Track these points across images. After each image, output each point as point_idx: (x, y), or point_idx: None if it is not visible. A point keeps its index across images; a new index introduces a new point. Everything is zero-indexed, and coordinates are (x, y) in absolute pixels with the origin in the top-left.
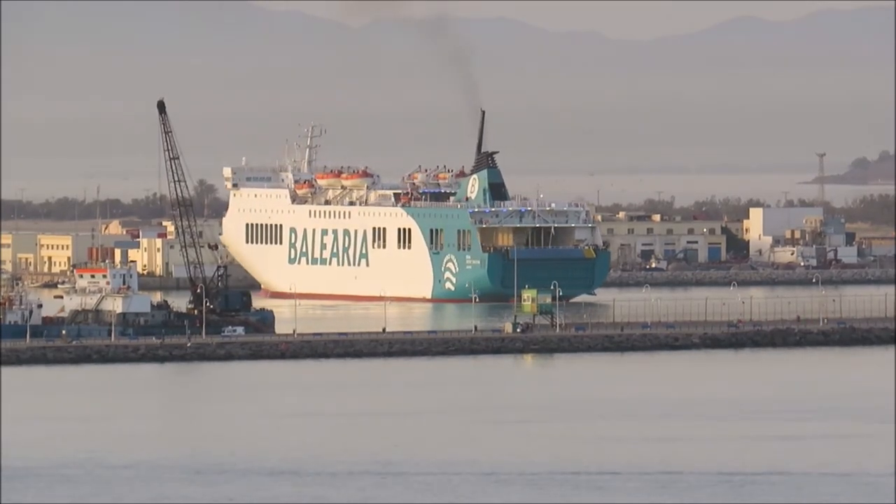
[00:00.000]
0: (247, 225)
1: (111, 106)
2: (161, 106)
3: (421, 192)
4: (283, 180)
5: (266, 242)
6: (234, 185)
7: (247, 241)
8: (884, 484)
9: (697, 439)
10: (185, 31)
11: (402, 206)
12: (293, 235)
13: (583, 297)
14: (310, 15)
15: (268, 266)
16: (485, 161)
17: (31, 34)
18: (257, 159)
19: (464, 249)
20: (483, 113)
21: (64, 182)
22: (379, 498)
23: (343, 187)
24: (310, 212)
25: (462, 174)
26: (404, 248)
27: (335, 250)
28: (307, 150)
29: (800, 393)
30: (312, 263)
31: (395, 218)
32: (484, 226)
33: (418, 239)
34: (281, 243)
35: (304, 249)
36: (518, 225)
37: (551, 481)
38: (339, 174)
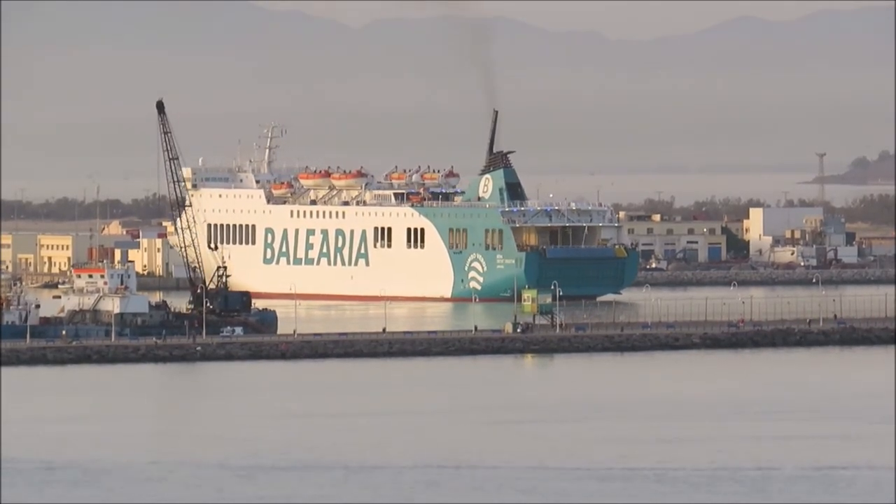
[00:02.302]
0: (209, 225)
1: (111, 106)
2: (160, 106)
3: (430, 192)
4: (241, 181)
5: (234, 243)
6: (194, 186)
7: (209, 242)
8: (884, 484)
9: (697, 439)
10: (186, 31)
11: (413, 205)
12: (269, 236)
13: (609, 297)
14: (310, 15)
15: (236, 267)
16: (500, 161)
17: (31, 34)
18: (216, 159)
19: (493, 249)
20: (496, 113)
21: (64, 182)
22: (378, 497)
23: (332, 187)
24: (292, 212)
25: (451, 174)
26: (415, 247)
27: (325, 250)
28: (266, 150)
29: (799, 393)
30: (295, 264)
31: (403, 217)
32: (517, 225)
33: (434, 238)
34: (254, 244)
35: (283, 249)
36: (548, 224)
37: (551, 481)
38: (327, 174)
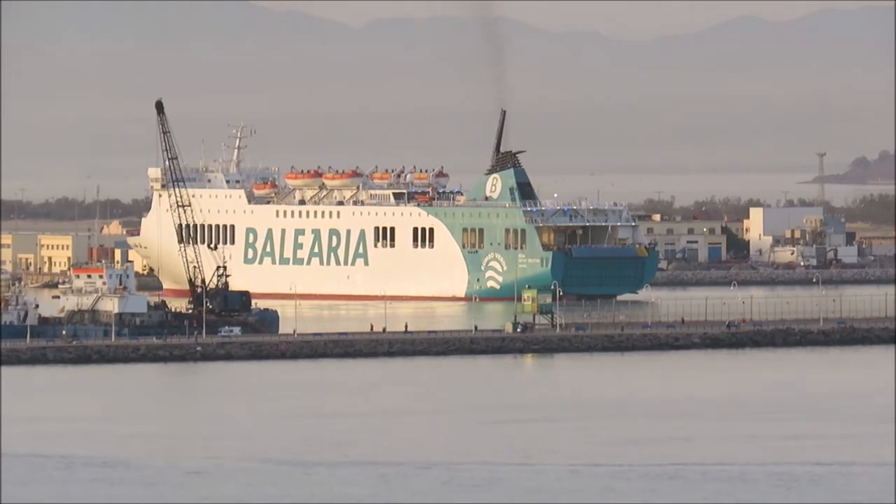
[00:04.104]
0: (180, 226)
1: (111, 106)
2: (159, 106)
3: (438, 192)
4: (209, 181)
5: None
6: (163, 186)
7: (180, 242)
8: (883, 484)
9: (696, 439)
10: (186, 31)
11: (419, 205)
12: (251, 236)
13: (627, 296)
14: (310, 15)
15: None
16: (508, 160)
17: (31, 34)
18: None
19: (514, 248)
20: (503, 112)
21: (64, 182)
22: (377, 497)
23: (323, 187)
24: (277, 212)
25: (441, 174)
26: (423, 247)
27: (316, 250)
28: (235, 150)
29: (799, 392)
30: (282, 264)
31: (408, 217)
32: (539, 225)
33: (445, 238)
34: (233, 243)
35: (267, 249)
36: (568, 224)
37: (551, 480)
38: (318, 174)
